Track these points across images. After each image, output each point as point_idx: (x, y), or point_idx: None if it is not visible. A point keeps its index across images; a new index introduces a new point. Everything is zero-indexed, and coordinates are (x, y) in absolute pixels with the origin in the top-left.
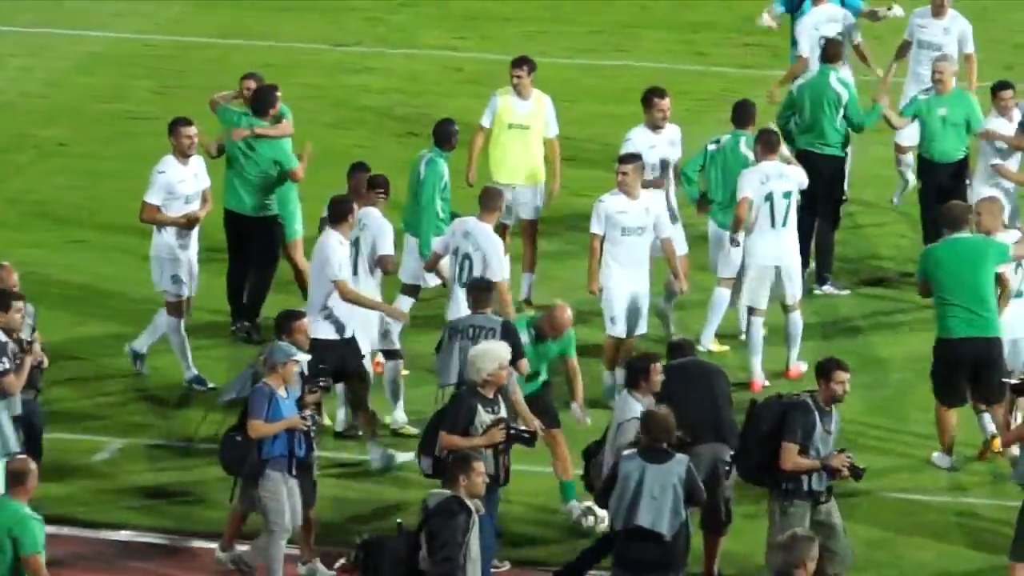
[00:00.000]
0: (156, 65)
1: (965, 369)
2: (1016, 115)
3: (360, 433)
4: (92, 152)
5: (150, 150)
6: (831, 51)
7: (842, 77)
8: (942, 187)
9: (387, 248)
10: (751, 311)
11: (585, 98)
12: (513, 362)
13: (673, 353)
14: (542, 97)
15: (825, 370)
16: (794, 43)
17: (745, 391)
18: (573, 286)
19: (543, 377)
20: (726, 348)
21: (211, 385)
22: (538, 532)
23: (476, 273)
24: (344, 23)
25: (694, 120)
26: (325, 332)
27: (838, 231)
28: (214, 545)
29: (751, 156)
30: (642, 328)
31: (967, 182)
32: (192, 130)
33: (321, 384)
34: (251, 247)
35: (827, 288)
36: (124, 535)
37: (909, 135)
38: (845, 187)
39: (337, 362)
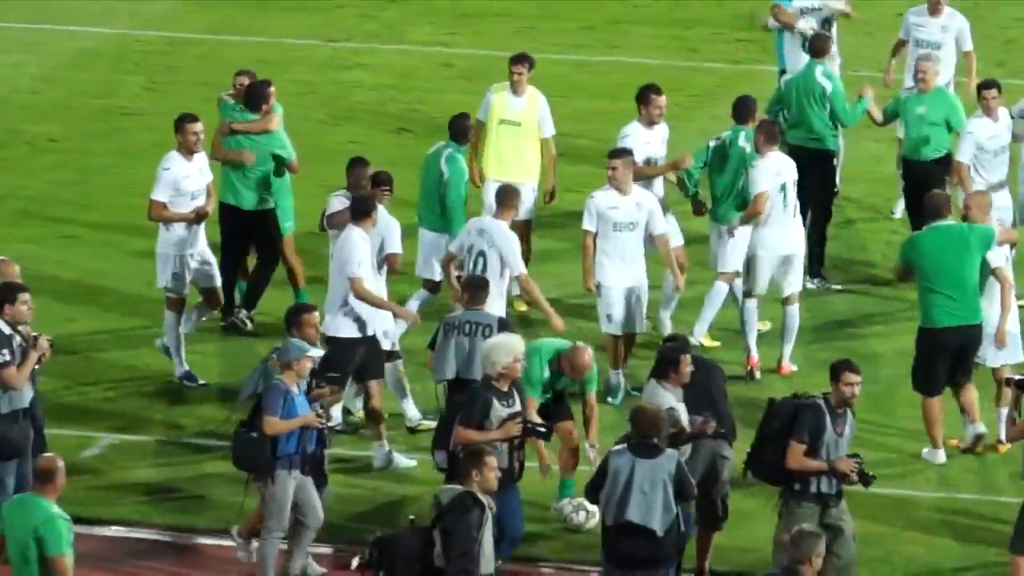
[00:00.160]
0: (147, 61)
1: (947, 357)
2: (1002, 115)
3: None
4: (84, 148)
5: (141, 146)
6: (818, 45)
7: (828, 71)
8: (919, 184)
9: (395, 246)
10: (747, 295)
11: (577, 94)
12: None
13: None
14: (536, 95)
15: (835, 371)
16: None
17: (741, 385)
18: (566, 282)
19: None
20: (717, 344)
21: (202, 382)
22: (531, 528)
23: (491, 270)
24: (335, 19)
25: (686, 116)
26: (347, 330)
27: (829, 226)
28: (210, 541)
29: (749, 149)
30: (641, 324)
31: (946, 179)
32: (198, 126)
33: (330, 378)
34: (247, 242)
35: (818, 282)
36: (115, 531)
37: None
38: (837, 180)
39: (358, 361)
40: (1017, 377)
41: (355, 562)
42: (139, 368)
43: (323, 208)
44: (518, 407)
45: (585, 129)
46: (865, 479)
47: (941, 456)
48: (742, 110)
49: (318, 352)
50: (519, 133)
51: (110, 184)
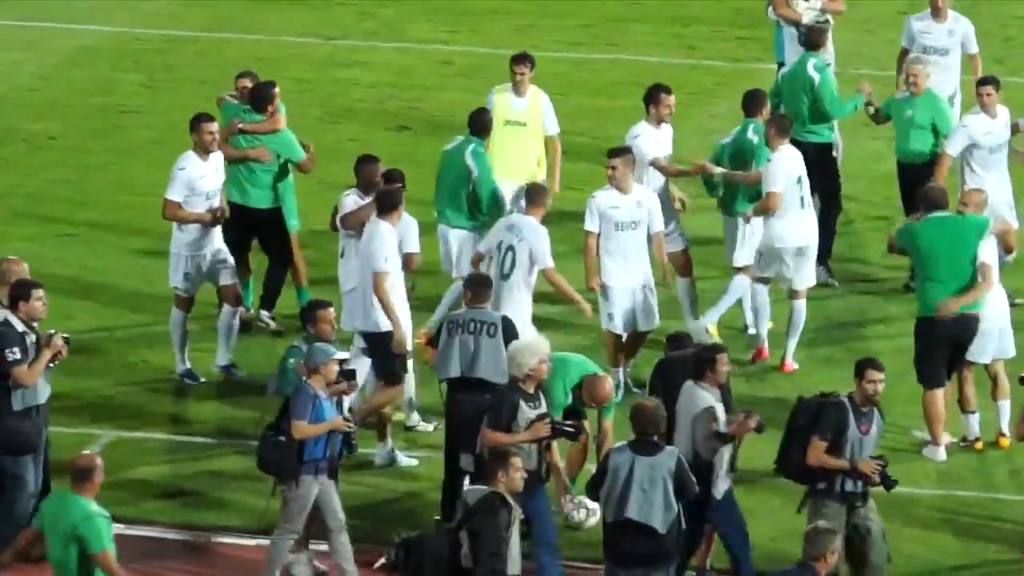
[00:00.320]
0: (146, 59)
1: (945, 347)
2: (1001, 113)
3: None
4: (82, 145)
5: (140, 144)
6: (813, 38)
7: (819, 63)
8: (912, 184)
9: (413, 245)
10: (758, 279)
11: (576, 92)
12: None
13: (672, 346)
14: (539, 94)
15: (859, 369)
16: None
17: (742, 383)
18: (568, 280)
19: None
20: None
21: (202, 380)
22: None
23: (519, 265)
24: (334, 17)
25: (684, 114)
26: (375, 324)
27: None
28: (211, 539)
29: (757, 141)
30: (650, 321)
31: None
32: (214, 126)
33: (346, 372)
34: (250, 240)
35: (822, 271)
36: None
37: None
38: (839, 170)
39: (382, 354)
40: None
41: (379, 562)
42: (138, 365)
43: (333, 207)
44: (544, 408)
45: (584, 127)
46: (887, 483)
47: (942, 454)
48: (750, 103)
49: (344, 354)
50: (524, 133)
51: (108, 182)
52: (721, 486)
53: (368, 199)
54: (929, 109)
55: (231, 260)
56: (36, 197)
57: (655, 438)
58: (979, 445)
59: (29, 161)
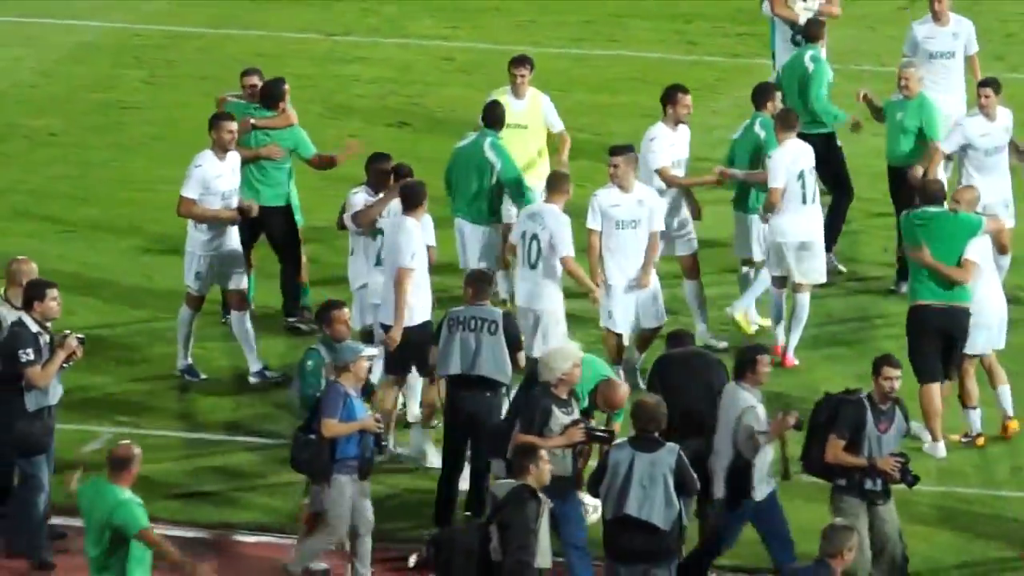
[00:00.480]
0: (147, 55)
1: (935, 338)
2: (1001, 115)
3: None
4: (83, 142)
5: (141, 140)
6: (810, 31)
7: (816, 55)
8: (896, 188)
9: (430, 239)
10: (775, 280)
11: (577, 88)
12: (513, 354)
13: (672, 343)
14: (538, 95)
15: (875, 366)
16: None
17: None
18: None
19: None
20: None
21: (203, 376)
22: None
23: (544, 253)
24: (335, 13)
25: None
26: (419, 315)
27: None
28: (214, 535)
29: (764, 136)
30: (655, 319)
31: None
32: (234, 125)
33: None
34: (257, 237)
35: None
36: None
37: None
38: (844, 159)
39: (409, 349)
40: None
41: (412, 560)
42: (139, 362)
43: (341, 206)
44: (577, 413)
45: (585, 123)
46: (907, 479)
47: (941, 449)
48: (758, 96)
49: (373, 351)
50: (526, 135)
51: (109, 178)
52: (763, 488)
53: (377, 197)
54: (919, 113)
55: (243, 267)
56: (37, 193)
57: (656, 435)
58: (981, 441)
59: (30, 157)
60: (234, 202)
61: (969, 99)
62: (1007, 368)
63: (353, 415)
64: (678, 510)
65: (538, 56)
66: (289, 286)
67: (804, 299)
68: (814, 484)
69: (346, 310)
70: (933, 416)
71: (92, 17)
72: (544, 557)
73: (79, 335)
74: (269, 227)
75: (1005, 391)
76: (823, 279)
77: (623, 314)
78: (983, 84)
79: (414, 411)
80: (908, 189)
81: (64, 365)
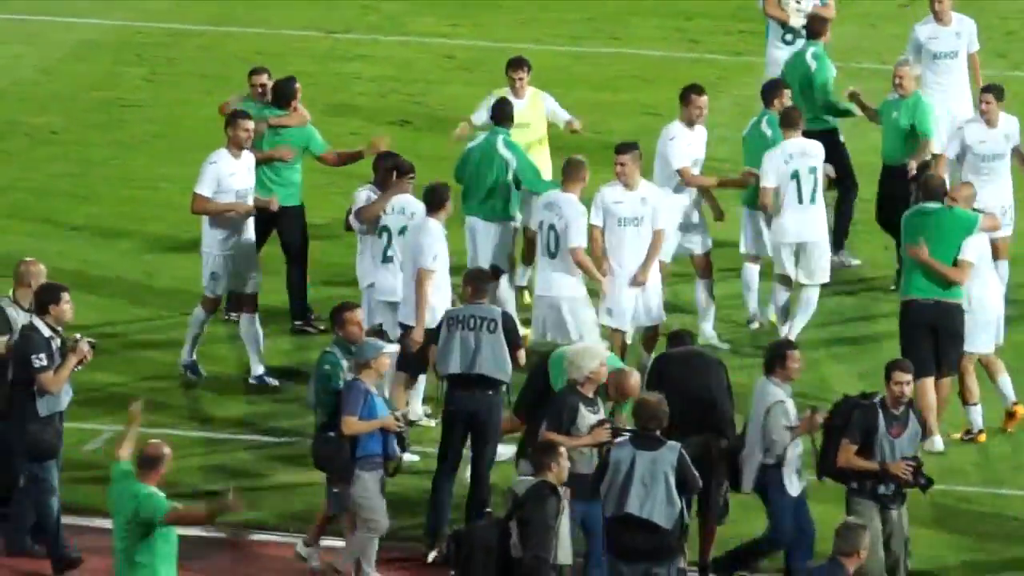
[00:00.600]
0: (148, 53)
1: (926, 333)
2: (1004, 123)
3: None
4: (84, 139)
5: (142, 138)
6: (812, 27)
7: (818, 52)
8: (884, 186)
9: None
10: (779, 279)
11: (578, 86)
12: (512, 352)
13: (673, 343)
14: (537, 94)
15: (886, 371)
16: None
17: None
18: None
19: None
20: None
21: (204, 375)
22: None
23: (562, 243)
24: (336, 10)
25: None
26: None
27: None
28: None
29: (770, 134)
30: (653, 317)
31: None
32: (250, 123)
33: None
34: (266, 236)
35: (841, 256)
36: None
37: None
38: (847, 154)
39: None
40: None
41: (431, 556)
42: (140, 360)
43: (348, 208)
44: (603, 413)
45: (586, 121)
46: (920, 483)
47: (939, 443)
48: (765, 93)
49: (393, 347)
50: (529, 135)
51: (110, 176)
52: (796, 483)
53: (382, 194)
54: (912, 112)
55: (259, 269)
56: (38, 191)
57: (657, 433)
58: (982, 438)
59: (31, 155)
60: (249, 202)
61: (974, 99)
62: (1007, 365)
63: (374, 413)
64: (679, 508)
65: (539, 54)
66: (297, 288)
67: (808, 295)
68: (826, 485)
69: (359, 311)
70: (927, 410)
71: (93, 15)
72: (564, 553)
73: (90, 339)
74: (281, 226)
75: (1006, 381)
76: (826, 279)
77: (622, 311)
78: (985, 90)
79: (416, 410)
80: (904, 181)
81: (75, 369)
